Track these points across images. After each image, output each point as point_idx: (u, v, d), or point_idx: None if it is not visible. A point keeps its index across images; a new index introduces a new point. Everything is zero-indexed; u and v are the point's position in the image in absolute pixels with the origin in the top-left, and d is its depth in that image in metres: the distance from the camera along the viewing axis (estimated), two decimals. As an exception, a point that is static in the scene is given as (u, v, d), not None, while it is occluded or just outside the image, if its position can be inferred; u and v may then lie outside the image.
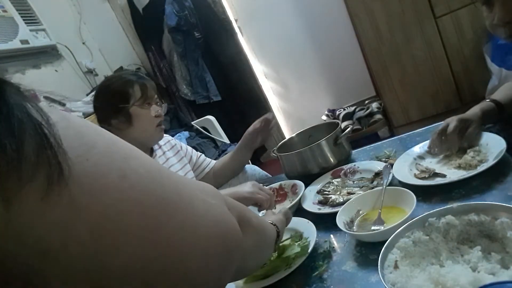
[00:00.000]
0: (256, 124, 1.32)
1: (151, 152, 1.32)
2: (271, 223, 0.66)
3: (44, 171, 0.23)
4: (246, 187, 1.02)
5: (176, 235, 0.29)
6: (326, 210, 0.92)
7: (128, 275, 0.26)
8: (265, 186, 1.19)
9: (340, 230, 0.77)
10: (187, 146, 1.48)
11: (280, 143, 1.29)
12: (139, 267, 0.26)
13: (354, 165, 1.08)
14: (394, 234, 0.62)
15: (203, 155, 1.49)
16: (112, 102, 1.20)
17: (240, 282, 0.79)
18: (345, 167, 1.09)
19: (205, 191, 0.37)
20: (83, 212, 0.24)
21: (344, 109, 2.82)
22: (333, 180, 1.05)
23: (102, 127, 1.24)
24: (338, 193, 0.98)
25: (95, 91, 1.32)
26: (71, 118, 0.28)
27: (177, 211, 0.30)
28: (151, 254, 0.27)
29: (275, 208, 1.07)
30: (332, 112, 2.90)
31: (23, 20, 2.24)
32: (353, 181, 1.02)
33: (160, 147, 1.36)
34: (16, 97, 0.24)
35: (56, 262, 0.23)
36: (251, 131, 1.33)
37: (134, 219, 0.26)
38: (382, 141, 1.21)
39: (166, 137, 1.43)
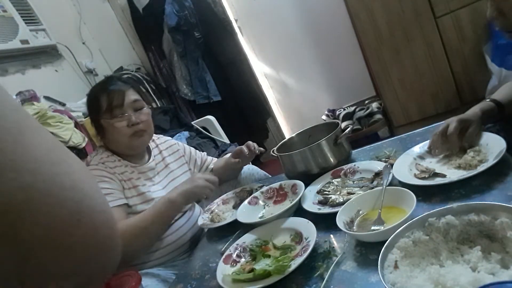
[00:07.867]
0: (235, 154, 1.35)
1: (148, 150, 1.33)
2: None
3: None
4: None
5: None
6: (326, 210, 0.92)
7: None
8: (265, 186, 1.20)
9: (340, 230, 0.77)
10: (191, 148, 1.48)
11: (280, 143, 1.29)
12: None
13: (354, 165, 1.08)
14: (394, 234, 0.62)
15: (205, 154, 1.50)
16: (89, 112, 1.25)
17: (240, 282, 0.78)
18: (345, 167, 1.09)
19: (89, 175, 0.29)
20: None
21: (344, 109, 2.82)
22: (333, 180, 1.05)
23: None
24: (338, 193, 0.98)
25: None
26: None
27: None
28: None
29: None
30: (332, 112, 2.90)
31: (23, 20, 2.24)
32: (353, 181, 1.02)
33: (157, 145, 1.37)
34: None
35: None
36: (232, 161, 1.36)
37: None
38: (382, 141, 1.21)
39: (164, 137, 1.44)
